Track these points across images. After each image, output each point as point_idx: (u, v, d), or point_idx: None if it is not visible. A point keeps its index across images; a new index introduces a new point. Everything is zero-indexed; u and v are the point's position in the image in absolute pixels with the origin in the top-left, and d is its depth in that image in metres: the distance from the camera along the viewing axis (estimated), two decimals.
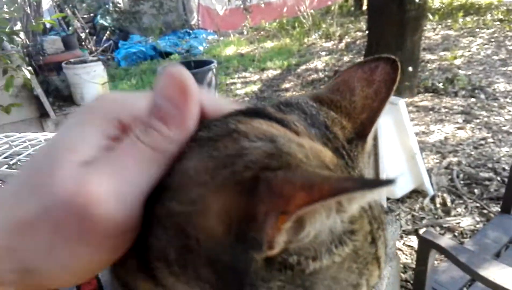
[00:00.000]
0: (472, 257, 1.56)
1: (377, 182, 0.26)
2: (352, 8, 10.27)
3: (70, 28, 7.42)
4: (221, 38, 8.58)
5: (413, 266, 2.22)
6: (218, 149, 0.31)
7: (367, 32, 5.41)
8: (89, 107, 0.33)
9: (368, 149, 0.39)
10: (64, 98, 4.82)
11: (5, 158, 1.17)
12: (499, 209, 2.32)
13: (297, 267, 0.30)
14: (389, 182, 0.26)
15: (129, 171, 0.30)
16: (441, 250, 1.61)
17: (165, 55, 7.60)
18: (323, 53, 7.13)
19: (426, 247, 1.67)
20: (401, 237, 2.55)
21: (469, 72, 5.35)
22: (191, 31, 8.85)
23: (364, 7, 9.07)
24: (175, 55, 7.57)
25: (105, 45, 8.30)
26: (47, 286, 0.31)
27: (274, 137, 0.32)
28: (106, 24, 8.88)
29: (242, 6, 7.57)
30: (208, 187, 0.30)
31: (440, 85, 4.89)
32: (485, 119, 4.02)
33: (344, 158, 0.35)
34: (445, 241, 1.65)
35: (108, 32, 8.58)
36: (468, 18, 7.95)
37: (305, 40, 8.20)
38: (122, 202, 0.29)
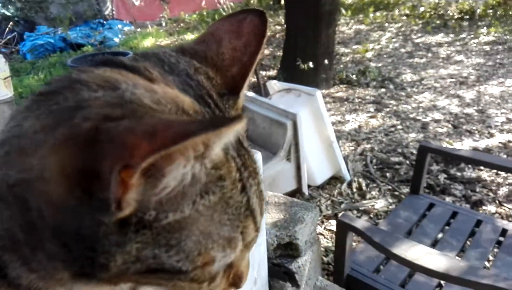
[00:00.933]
0: (385, 236, 1.65)
1: (222, 121, 0.24)
2: (271, 2, 10.43)
3: None
4: (138, 29, 8.25)
5: (334, 249, 2.31)
6: (57, 103, 0.28)
7: (285, 26, 5.51)
8: None
9: (241, 105, 0.37)
10: None
11: None
12: (409, 191, 2.49)
13: (156, 224, 0.27)
14: (232, 120, 0.24)
15: None
16: (358, 231, 1.68)
17: (77, 47, 7.14)
18: None
19: (343, 230, 1.73)
20: (322, 222, 2.64)
21: (379, 64, 5.68)
22: (105, 22, 8.39)
23: (282, 1, 9.25)
24: (88, 47, 7.14)
25: (8, 37, 7.60)
26: None
27: (118, 83, 0.28)
28: (8, 14, 8.13)
29: None
30: (45, 146, 0.26)
31: (354, 76, 5.14)
32: (394, 107, 4.29)
33: (210, 107, 0.33)
34: (361, 223, 1.72)
35: (11, 23, 7.85)
36: (378, 13, 8.44)
37: None
38: None
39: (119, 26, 8.36)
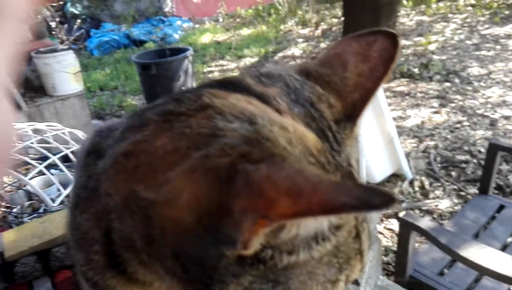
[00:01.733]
0: (452, 238, 1.58)
1: (375, 205, 0.22)
2: None
3: (39, 16, 7.15)
4: (197, 25, 8.44)
5: (394, 248, 2.25)
6: (190, 126, 0.28)
7: (342, 18, 5.41)
8: None
9: (357, 132, 0.36)
10: (36, 89, 4.65)
11: None
12: (477, 191, 2.36)
13: (270, 262, 0.27)
14: (385, 204, 0.22)
15: None
16: (422, 231, 1.62)
17: (139, 43, 7.43)
18: (300, 40, 7.10)
19: (406, 229, 1.68)
20: (382, 220, 2.58)
21: (444, 57, 5.42)
22: (165, 19, 8.66)
23: None
24: (150, 43, 7.41)
25: (77, 34, 8.03)
26: None
27: (254, 117, 0.28)
28: (76, 12, 8.61)
29: None
30: (177, 171, 0.26)
31: (416, 70, 4.94)
32: (460, 103, 4.08)
33: (329, 141, 0.32)
34: (425, 223, 1.67)
35: (79, 21, 8.31)
36: (441, 4, 8.04)
37: (282, 27, 8.15)
38: None
39: (179, 22, 8.59)
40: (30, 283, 0.91)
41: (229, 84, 0.33)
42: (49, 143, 1.56)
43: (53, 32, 7.32)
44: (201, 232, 0.25)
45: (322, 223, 0.27)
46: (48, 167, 1.49)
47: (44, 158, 1.51)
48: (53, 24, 7.40)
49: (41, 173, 1.53)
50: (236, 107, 0.29)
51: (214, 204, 0.25)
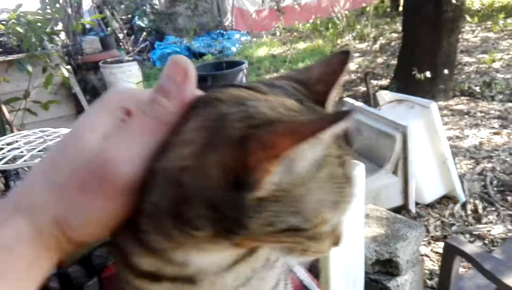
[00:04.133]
0: (498, 265, 1.52)
1: (341, 116, 0.31)
2: (388, 9, 10.09)
3: (108, 28, 7.66)
4: (254, 39, 8.62)
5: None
6: (204, 114, 0.37)
7: (402, 33, 5.32)
8: (102, 99, 0.41)
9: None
10: (101, 96, 4.98)
11: (39, 151, 1.24)
12: None
13: (287, 196, 0.35)
14: (349, 113, 0.31)
15: (136, 139, 0.36)
16: (466, 257, 1.58)
17: (199, 55, 7.72)
18: (356, 54, 7.05)
19: (451, 253, 1.64)
20: (429, 243, 2.50)
21: (508, 76, 5.15)
22: (224, 32, 8.94)
23: (401, 8, 8.90)
24: (208, 56, 7.68)
25: (142, 45, 8.50)
26: (75, 238, 0.37)
27: (245, 100, 0.37)
28: (143, 25, 9.11)
29: (275, 7, 7.59)
30: (202, 146, 0.35)
31: (477, 88, 4.74)
32: None
33: (307, 106, 0.40)
34: (471, 247, 1.61)
35: (145, 33, 8.80)
36: (509, 20, 7.65)
37: (338, 41, 8.13)
38: (131, 163, 0.35)
39: (237, 36, 8.84)
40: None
41: (227, 84, 0.42)
42: None
43: (120, 44, 7.82)
44: (229, 187, 0.33)
45: (315, 152, 0.34)
46: None
47: None
48: (121, 36, 7.90)
49: None
50: (232, 95, 0.38)
51: (236, 165, 0.33)
